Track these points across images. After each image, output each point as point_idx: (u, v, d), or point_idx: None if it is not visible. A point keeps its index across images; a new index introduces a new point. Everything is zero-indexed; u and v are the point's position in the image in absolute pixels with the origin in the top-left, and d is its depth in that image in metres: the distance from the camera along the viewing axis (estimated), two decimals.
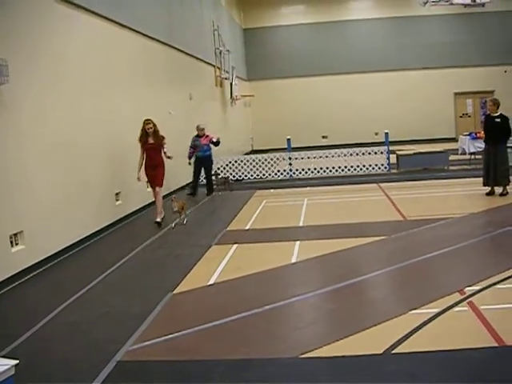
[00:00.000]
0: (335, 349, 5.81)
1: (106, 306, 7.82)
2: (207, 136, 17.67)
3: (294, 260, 9.47)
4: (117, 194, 13.52)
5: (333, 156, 21.76)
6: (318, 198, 16.14)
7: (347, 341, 6.01)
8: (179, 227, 12.75)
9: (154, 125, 13.07)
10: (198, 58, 22.51)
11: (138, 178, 13.04)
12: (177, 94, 19.35)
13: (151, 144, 13.05)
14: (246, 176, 21.07)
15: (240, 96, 30.08)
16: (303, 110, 33.52)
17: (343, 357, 5.61)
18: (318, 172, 20.68)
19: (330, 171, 20.64)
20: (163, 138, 13.20)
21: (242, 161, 21.38)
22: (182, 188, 18.83)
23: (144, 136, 13.03)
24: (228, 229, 12.39)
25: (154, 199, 13.78)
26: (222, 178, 18.83)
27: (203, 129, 17.70)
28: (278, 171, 21.05)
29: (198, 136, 17.61)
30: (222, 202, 16.84)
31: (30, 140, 9.78)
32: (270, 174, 20.93)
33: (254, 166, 21.06)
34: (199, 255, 10.09)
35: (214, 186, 18.31)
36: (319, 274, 8.82)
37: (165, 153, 13.28)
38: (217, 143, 17.83)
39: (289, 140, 22.25)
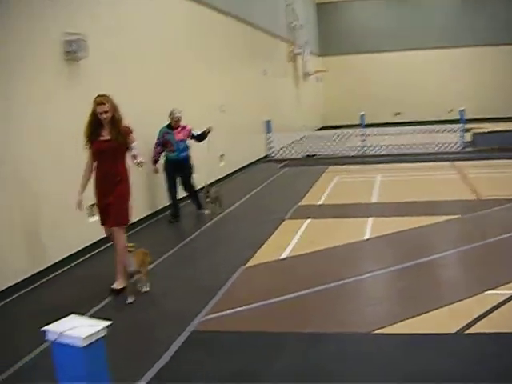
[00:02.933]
0: (408, 326, 5.80)
1: (179, 278, 7.99)
2: (184, 127, 11.58)
3: (366, 236, 9.45)
4: None
5: (406, 133, 21.48)
6: (391, 174, 15.99)
7: (420, 319, 5.99)
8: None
9: (114, 107, 7.33)
10: (271, 33, 22.49)
11: (78, 204, 7.39)
12: (251, 70, 19.40)
13: (106, 142, 7.35)
14: (318, 152, 20.99)
15: (312, 71, 29.92)
16: (376, 86, 33.09)
17: (416, 334, 5.60)
18: (391, 149, 20.43)
19: (403, 148, 20.36)
20: (129, 131, 7.49)
21: (314, 136, 21.32)
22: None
23: (93, 128, 7.39)
24: (300, 204, 12.44)
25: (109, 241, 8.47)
26: (213, 192, 12.18)
27: (179, 117, 11.47)
28: (351, 147, 20.90)
29: (169, 127, 11.49)
30: (295, 177, 16.84)
31: None
32: (342, 150, 20.81)
33: (326, 142, 20.96)
34: (272, 229, 10.18)
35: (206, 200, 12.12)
36: (392, 251, 8.76)
37: (134, 157, 7.50)
38: (201, 137, 11.89)
39: (362, 116, 22.08)
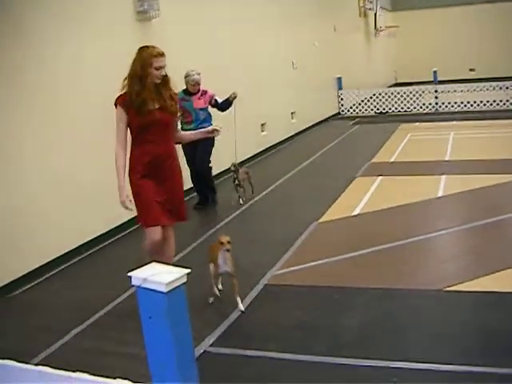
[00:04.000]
0: (479, 284, 5.77)
1: (253, 232, 8.15)
2: (204, 92, 9.45)
3: (439, 194, 9.36)
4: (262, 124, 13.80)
5: (481, 89, 20.94)
6: (465, 132, 15.65)
7: (492, 277, 5.94)
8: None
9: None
10: None
11: (126, 202, 5.44)
12: (321, 26, 19.20)
13: (156, 112, 5.42)
14: (389, 109, 20.72)
15: (384, 27, 29.37)
16: (449, 41, 32.18)
17: (487, 292, 5.57)
18: (465, 106, 19.95)
19: (478, 105, 19.86)
20: (177, 97, 5.74)
21: (386, 93, 21.02)
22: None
23: (138, 92, 5.34)
24: (372, 161, 12.39)
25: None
26: (242, 171, 9.97)
27: (197, 80, 9.29)
28: (424, 104, 20.53)
29: (186, 93, 9.34)
30: (366, 135, 16.71)
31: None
32: (414, 108, 20.47)
33: (398, 99, 20.64)
34: (344, 186, 10.20)
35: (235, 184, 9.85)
36: (465, 208, 8.67)
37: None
38: (226, 104, 9.62)
39: (435, 72, 21.64)
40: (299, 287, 6.13)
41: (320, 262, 6.72)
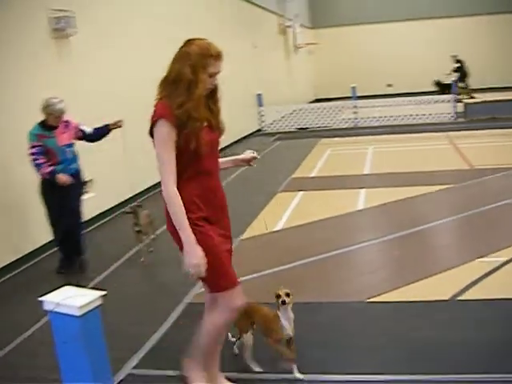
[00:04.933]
0: (401, 294, 5.86)
1: (176, 250, 8.01)
2: (67, 124, 7.27)
3: (360, 207, 9.50)
4: None
5: (398, 104, 21.45)
6: (383, 146, 15.99)
7: (413, 286, 6.05)
8: None
9: None
10: (260, 6, 22.32)
11: (199, 266, 3.73)
12: (240, 43, 19.28)
13: (211, 131, 3.99)
14: (310, 124, 20.95)
15: (303, 44, 29.78)
16: (367, 58, 32.95)
17: (409, 302, 5.65)
18: (383, 120, 20.42)
19: (395, 120, 20.35)
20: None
21: (306, 109, 21.28)
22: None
23: (181, 104, 3.68)
24: (293, 176, 12.47)
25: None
26: (144, 214, 7.78)
27: (61, 110, 7.14)
28: (343, 119, 20.87)
29: (45, 127, 7.13)
30: (287, 150, 16.84)
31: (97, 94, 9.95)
32: (334, 123, 20.79)
33: (318, 115, 20.92)
34: (265, 202, 10.21)
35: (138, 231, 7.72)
36: (385, 220, 8.83)
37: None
38: (101, 133, 7.62)
39: (354, 88, 22.04)
40: None
41: (243, 278, 6.64)
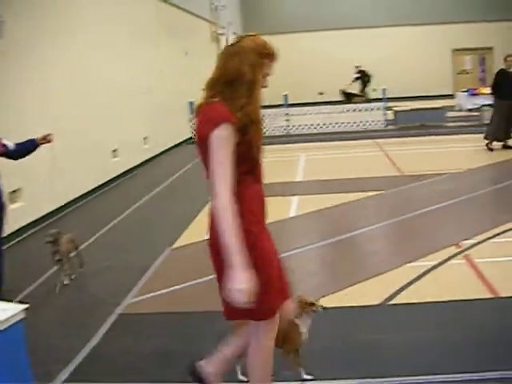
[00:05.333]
0: (333, 300, 5.89)
1: (107, 259, 7.90)
2: None
3: (291, 214, 9.54)
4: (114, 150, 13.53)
5: (330, 112, 21.69)
6: (316, 153, 16.15)
7: (345, 292, 6.13)
8: None
9: None
10: (193, 14, 22.27)
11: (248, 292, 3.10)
12: (171, 51, 19.17)
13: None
14: None
15: None
16: (300, 66, 33.12)
17: (341, 308, 5.69)
18: (315, 128, 20.63)
19: (327, 127, 20.58)
20: None
21: None
22: None
23: (243, 106, 3.34)
24: None
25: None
26: (65, 239, 6.96)
27: None
28: (275, 127, 20.97)
29: None
30: None
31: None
32: (267, 130, 20.84)
33: None
34: (197, 210, 10.11)
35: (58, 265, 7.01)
36: (317, 227, 8.92)
37: None
38: (27, 149, 6.56)
39: (286, 96, 22.18)
40: (155, 315, 5.99)
41: (175, 287, 6.60)
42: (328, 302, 5.82)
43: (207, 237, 3.46)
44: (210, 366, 3.86)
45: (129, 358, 5.07)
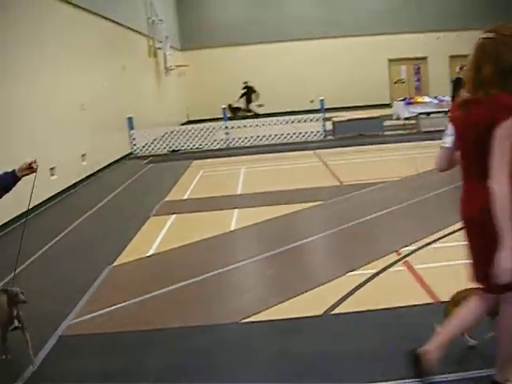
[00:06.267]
0: (276, 312, 5.88)
1: (46, 280, 7.71)
2: None
3: (232, 228, 9.49)
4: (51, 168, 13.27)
5: (269, 124, 21.80)
6: (256, 166, 16.18)
7: (287, 304, 6.09)
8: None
9: None
10: (130, 28, 22.11)
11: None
12: (109, 66, 18.97)
13: None
14: (182, 146, 20.87)
15: (174, 66, 29.74)
16: (239, 79, 33.22)
17: (284, 320, 5.68)
18: (255, 140, 20.70)
19: (267, 139, 20.67)
20: None
21: (178, 131, 21.20)
22: None
23: None
24: (166, 199, 12.30)
25: None
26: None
27: None
28: (215, 141, 20.95)
29: None
30: (159, 173, 16.69)
31: None
32: (206, 144, 20.83)
33: (190, 137, 20.89)
34: (138, 227, 10.00)
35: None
36: (258, 240, 8.89)
37: None
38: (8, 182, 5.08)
39: (224, 109, 22.21)
40: (97, 335, 5.83)
41: (115, 306, 6.47)
42: (270, 314, 5.84)
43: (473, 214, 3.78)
44: (433, 350, 4.09)
45: (70, 381, 4.95)
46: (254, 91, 31.20)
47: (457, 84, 14.83)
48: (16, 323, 5.12)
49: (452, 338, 4.14)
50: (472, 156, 3.76)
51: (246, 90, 31.11)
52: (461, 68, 15.22)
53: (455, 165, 4.07)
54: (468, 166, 3.82)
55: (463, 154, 3.87)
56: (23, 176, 5.12)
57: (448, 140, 3.99)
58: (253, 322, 5.74)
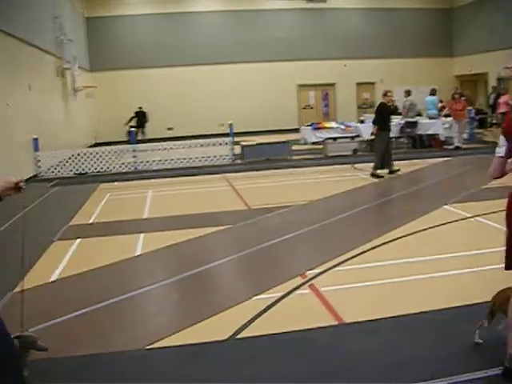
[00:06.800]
0: (182, 337, 5.85)
1: None
2: None
3: (138, 252, 9.34)
4: None
5: (178, 148, 21.74)
6: (164, 189, 16.09)
7: (194, 328, 6.07)
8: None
9: None
10: (36, 47, 21.64)
11: None
12: (13, 85, 18.47)
13: None
14: (89, 169, 20.51)
15: (82, 87, 29.28)
16: (147, 101, 33.01)
17: (190, 345, 5.65)
18: (164, 164, 20.58)
19: (176, 163, 20.60)
20: None
21: (85, 154, 20.82)
22: None
23: None
24: (71, 224, 12.00)
25: None
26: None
27: None
28: (123, 163, 20.72)
29: None
30: (65, 197, 16.30)
31: None
32: (114, 167, 20.55)
33: (97, 159, 20.55)
34: (40, 252, 9.72)
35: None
36: (165, 264, 8.84)
37: None
38: None
39: (131, 132, 22.06)
40: None
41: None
42: (176, 340, 5.79)
43: None
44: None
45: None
46: (145, 116, 31.45)
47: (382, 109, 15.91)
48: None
49: None
50: None
51: (135, 115, 31.36)
52: (385, 94, 15.92)
53: (506, 174, 4.61)
54: None
55: None
56: (6, 196, 4.67)
57: (501, 150, 4.57)
58: (158, 347, 5.67)
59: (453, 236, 9.45)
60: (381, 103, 16.13)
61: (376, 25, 35.01)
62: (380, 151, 15.64)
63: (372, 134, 16.56)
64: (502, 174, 4.62)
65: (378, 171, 15.60)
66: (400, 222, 10.31)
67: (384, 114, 15.76)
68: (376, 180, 15.39)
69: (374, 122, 16.02)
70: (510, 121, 4.56)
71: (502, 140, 4.56)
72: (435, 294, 6.75)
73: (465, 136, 22.98)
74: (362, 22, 35.15)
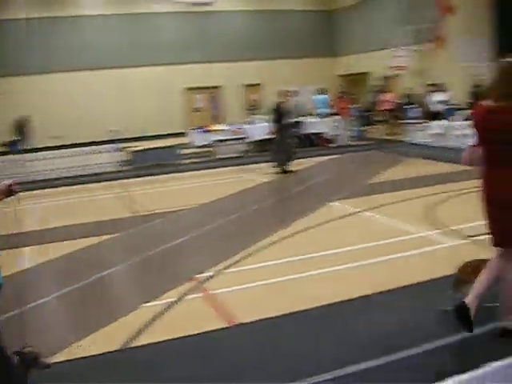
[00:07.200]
0: (67, 353, 5.70)
1: None
2: None
3: (26, 265, 9.03)
4: None
5: (65, 156, 21.11)
6: (49, 200, 15.70)
7: (85, 341, 5.95)
8: None
9: None
10: None
11: None
12: None
13: None
14: None
15: None
16: (32, 109, 31.90)
17: (83, 358, 5.56)
18: (51, 173, 19.95)
19: (63, 171, 20.04)
20: None
21: None
22: None
23: None
24: None
25: None
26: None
27: None
28: (6, 175, 19.91)
29: None
30: None
31: None
32: (2, 179, 19.67)
33: None
34: None
35: None
36: (53, 277, 8.60)
37: None
38: None
39: (15, 141, 21.39)
40: None
41: None
42: (69, 354, 5.66)
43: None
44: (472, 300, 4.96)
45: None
46: (25, 125, 30.09)
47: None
48: None
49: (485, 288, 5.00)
50: (499, 150, 4.86)
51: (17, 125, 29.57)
52: (281, 94, 16.99)
53: (475, 162, 5.14)
54: (494, 158, 4.91)
55: (489, 150, 4.95)
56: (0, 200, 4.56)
57: (471, 140, 5.20)
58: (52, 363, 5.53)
59: (339, 232, 9.73)
60: (277, 103, 16.66)
61: (261, 27, 35.43)
62: (281, 149, 16.47)
63: (272, 132, 17.13)
64: (473, 163, 5.21)
65: (285, 167, 16.39)
66: (288, 221, 10.52)
67: (280, 113, 16.40)
68: (281, 175, 16.23)
69: (273, 121, 16.69)
70: (480, 115, 5.00)
71: (472, 132, 5.09)
72: (323, 288, 6.93)
73: (349, 133, 23.62)
74: (246, 24, 35.47)
